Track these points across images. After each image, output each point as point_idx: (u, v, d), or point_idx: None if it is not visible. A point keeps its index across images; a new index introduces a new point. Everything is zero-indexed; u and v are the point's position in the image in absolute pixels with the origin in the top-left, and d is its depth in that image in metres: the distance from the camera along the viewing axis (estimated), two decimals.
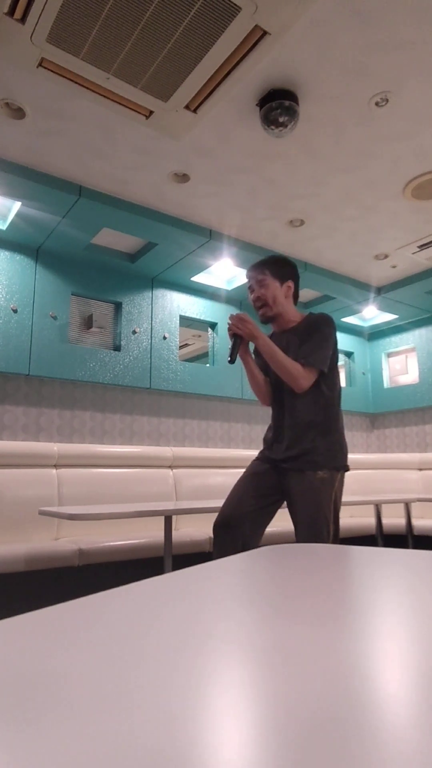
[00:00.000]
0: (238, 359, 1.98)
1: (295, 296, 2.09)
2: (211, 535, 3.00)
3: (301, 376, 1.88)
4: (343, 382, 5.03)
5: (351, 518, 3.87)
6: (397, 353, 4.98)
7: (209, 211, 3.02)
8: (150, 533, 2.86)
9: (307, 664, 0.36)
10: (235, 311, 3.78)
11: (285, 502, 1.96)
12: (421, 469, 4.36)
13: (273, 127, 2.15)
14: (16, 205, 2.83)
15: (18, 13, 1.67)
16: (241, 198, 2.89)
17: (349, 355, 5.04)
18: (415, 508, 3.82)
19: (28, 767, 0.23)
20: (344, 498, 2.52)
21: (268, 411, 2.11)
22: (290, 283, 2.04)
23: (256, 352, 2.05)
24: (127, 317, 3.59)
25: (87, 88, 1.98)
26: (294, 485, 1.88)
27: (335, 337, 1.98)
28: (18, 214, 2.87)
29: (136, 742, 0.25)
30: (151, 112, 2.11)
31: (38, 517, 2.75)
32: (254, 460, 2.05)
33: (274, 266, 2.03)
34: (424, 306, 4.41)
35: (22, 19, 1.69)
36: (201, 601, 0.56)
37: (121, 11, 1.66)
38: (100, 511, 2.03)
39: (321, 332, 1.94)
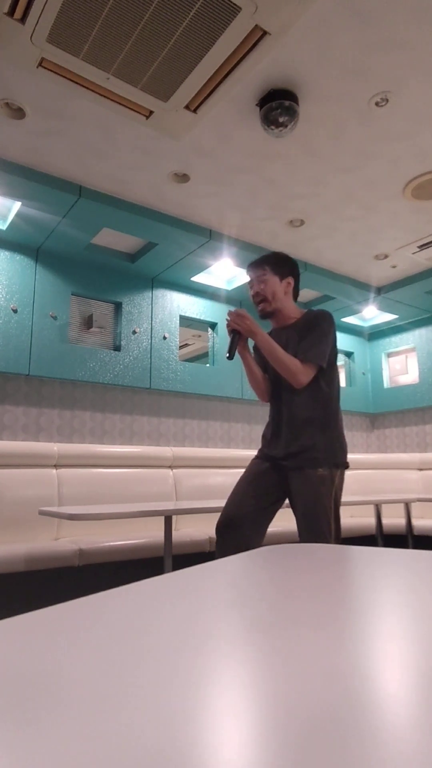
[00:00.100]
0: (237, 356, 1.99)
1: (295, 293, 2.09)
2: (211, 535, 3.01)
3: (300, 372, 1.88)
4: (343, 382, 5.03)
5: (351, 518, 3.87)
6: (397, 353, 4.98)
7: (209, 211, 3.02)
8: (150, 533, 2.86)
9: (307, 664, 0.36)
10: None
11: (287, 501, 1.96)
12: (421, 469, 4.36)
13: (273, 127, 2.15)
14: (16, 205, 2.83)
15: (18, 13, 1.67)
16: (241, 198, 2.89)
17: (349, 355, 5.04)
18: (415, 508, 3.82)
19: (28, 767, 0.23)
20: (344, 498, 2.52)
21: (268, 410, 2.12)
22: (290, 280, 2.05)
23: (255, 348, 2.05)
24: (127, 317, 3.59)
25: (87, 88, 1.98)
26: (294, 483, 1.89)
27: (334, 334, 1.98)
28: (18, 214, 2.87)
29: (136, 742, 0.25)
30: (151, 112, 2.11)
31: (38, 517, 2.75)
32: (254, 459, 2.05)
33: (275, 262, 2.04)
34: (424, 306, 4.41)
35: (22, 19, 1.69)
36: (201, 601, 0.56)
37: (121, 11, 1.66)
38: (100, 511, 2.03)
39: (320, 328, 1.94)
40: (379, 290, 4.16)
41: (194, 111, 2.10)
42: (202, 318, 3.99)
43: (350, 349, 4.99)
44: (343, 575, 0.74)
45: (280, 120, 2.12)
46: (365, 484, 4.34)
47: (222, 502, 2.03)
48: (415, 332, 4.74)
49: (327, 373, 1.95)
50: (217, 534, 1.91)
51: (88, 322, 3.51)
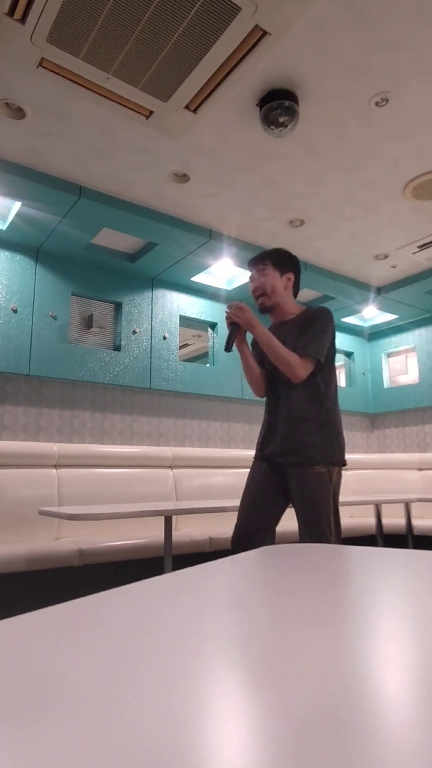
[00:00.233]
0: (235, 350, 2.00)
1: (296, 290, 2.10)
2: (211, 535, 3.01)
3: (298, 366, 1.88)
4: (343, 382, 5.03)
5: (351, 518, 3.87)
6: (397, 353, 4.98)
7: (209, 211, 3.02)
8: (150, 533, 2.86)
9: (307, 664, 0.36)
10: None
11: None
12: (421, 469, 4.36)
13: (273, 127, 2.15)
14: (16, 205, 2.83)
15: (18, 13, 1.67)
16: (241, 198, 2.89)
17: (349, 355, 5.04)
18: (415, 508, 3.82)
19: (28, 767, 0.23)
20: (344, 498, 2.52)
21: None
22: (290, 276, 2.05)
23: (254, 343, 2.06)
24: (127, 317, 3.59)
25: (87, 88, 1.98)
26: (292, 482, 1.89)
27: (333, 331, 1.98)
28: (18, 214, 2.87)
29: (136, 742, 0.25)
30: (151, 112, 2.11)
31: (38, 517, 2.75)
32: (254, 463, 2.06)
33: (276, 257, 2.05)
34: (424, 306, 4.41)
35: (22, 19, 1.69)
36: (201, 601, 0.56)
37: (121, 11, 1.66)
38: (100, 511, 2.03)
39: (319, 323, 1.95)
40: (379, 290, 4.16)
41: (194, 111, 2.10)
42: (202, 318, 3.99)
43: (350, 349, 4.99)
44: (342, 575, 0.74)
45: (280, 120, 2.12)
46: (365, 484, 4.34)
47: (222, 503, 2.03)
48: (415, 332, 4.74)
49: (325, 370, 1.96)
50: (233, 548, 1.92)
51: (88, 322, 3.51)
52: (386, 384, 4.97)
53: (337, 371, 5.03)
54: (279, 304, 2.03)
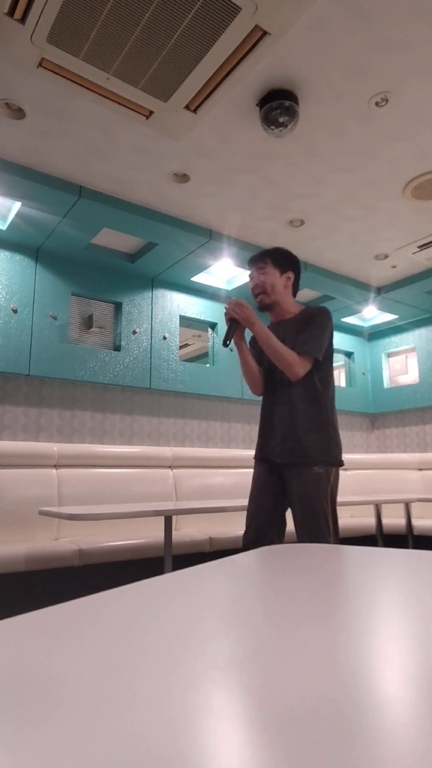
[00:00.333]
0: (233, 344, 2.02)
1: (295, 288, 2.10)
2: (211, 534, 3.01)
3: (296, 363, 1.88)
4: (343, 382, 5.03)
5: (351, 518, 3.87)
6: (397, 353, 4.98)
7: (209, 211, 3.02)
8: (150, 533, 2.86)
9: (307, 664, 0.36)
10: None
11: None
12: (421, 469, 4.36)
13: (273, 127, 2.15)
14: (16, 205, 2.83)
15: (18, 13, 1.67)
16: (241, 198, 2.89)
17: (349, 355, 5.04)
18: (415, 508, 3.82)
19: (28, 767, 0.23)
20: (344, 498, 2.52)
21: None
22: (290, 274, 2.06)
23: (252, 341, 2.06)
24: (127, 317, 3.59)
25: (87, 88, 1.98)
26: (290, 482, 1.89)
27: (332, 330, 1.99)
28: (18, 214, 2.87)
29: (136, 742, 0.25)
30: (151, 112, 2.11)
31: (38, 517, 2.75)
32: (255, 466, 2.06)
33: (276, 256, 2.05)
34: (424, 306, 4.41)
35: (22, 19, 1.69)
36: (201, 601, 0.56)
37: (121, 11, 1.66)
38: (100, 511, 2.03)
39: (318, 322, 1.95)
40: (379, 290, 4.16)
41: (194, 111, 2.10)
42: (202, 318, 3.99)
43: (350, 349, 4.99)
44: (342, 575, 0.74)
45: (280, 120, 2.12)
46: (365, 484, 4.33)
47: (222, 502, 2.03)
48: (415, 332, 4.74)
49: (323, 370, 1.96)
50: (245, 550, 1.93)
51: (88, 322, 3.51)
52: (386, 384, 4.97)
53: (338, 371, 5.04)
54: (278, 302, 2.03)
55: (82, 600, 0.53)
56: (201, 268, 3.62)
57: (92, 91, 2.00)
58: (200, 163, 2.56)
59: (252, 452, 2.11)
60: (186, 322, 3.96)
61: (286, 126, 2.15)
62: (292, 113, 2.11)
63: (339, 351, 4.93)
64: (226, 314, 1.95)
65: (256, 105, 2.15)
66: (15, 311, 3.09)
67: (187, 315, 3.91)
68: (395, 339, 4.91)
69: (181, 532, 2.99)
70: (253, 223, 3.16)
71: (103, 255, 3.42)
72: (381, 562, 0.78)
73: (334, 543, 1.84)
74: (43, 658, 0.38)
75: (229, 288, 3.96)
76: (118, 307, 3.62)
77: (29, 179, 2.58)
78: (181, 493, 3.46)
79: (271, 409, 2.01)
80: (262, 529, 1.94)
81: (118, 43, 1.78)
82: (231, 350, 3.87)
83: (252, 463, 2.09)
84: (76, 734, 0.26)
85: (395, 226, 3.22)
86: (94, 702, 0.30)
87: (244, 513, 2.02)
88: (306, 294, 4.22)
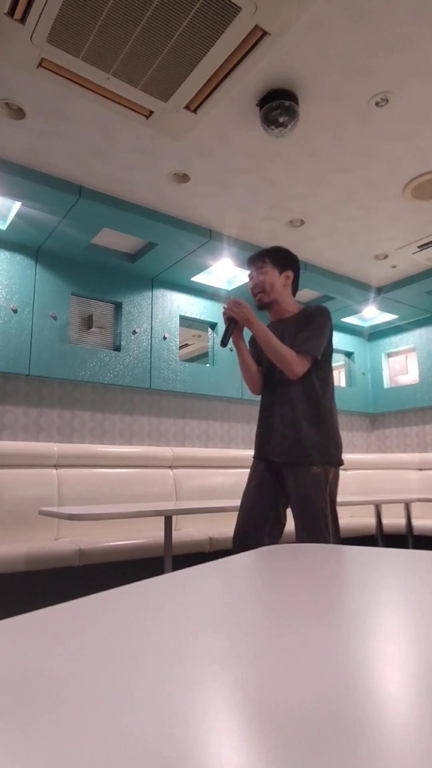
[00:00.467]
0: (232, 344, 2.02)
1: (294, 288, 2.10)
2: (211, 535, 3.01)
3: (295, 362, 1.88)
4: (343, 382, 5.03)
5: (351, 518, 3.87)
6: (397, 353, 4.98)
7: (209, 211, 3.02)
8: (150, 533, 2.86)
9: (307, 664, 0.36)
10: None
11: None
12: (421, 469, 4.36)
13: (273, 127, 2.15)
14: (16, 205, 2.83)
15: (18, 13, 1.67)
16: (241, 198, 2.89)
17: (349, 355, 5.04)
18: (415, 508, 3.82)
19: (28, 767, 0.23)
20: (345, 498, 2.51)
21: None
22: (289, 273, 2.06)
23: (251, 340, 2.06)
24: (127, 317, 3.59)
25: (87, 88, 1.98)
26: (289, 481, 1.89)
27: (331, 329, 1.99)
28: (18, 214, 2.87)
29: (136, 742, 0.25)
30: (151, 112, 2.11)
31: (38, 517, 2.75)
32: (253, 463, 2.06)
33: (275, 255, 2.05)
34: (424, 306, 4.41)
35: (22, 19, 1.69)
36: (201, 601, 0.56)
37: (121, 11, 1.66)
38: (100, 511, 2.03)
39: (317, 321, 1.95)
40: (379, 290, 4.16)
41: (194, 111, 2.10)
42: (202, 318, 3.99)
43: (350, 349, 4.99)
44: (342, 575, 0.74)
45: (280, 120, 2.12)
46: (365, 484, 4.33)
47: (222, 502, 2.03)
48: (415, 332, 4.74)
49: (322, 369, 1.96)
50: (234, 547, 1.92)
51: (88, 322, 3.51)
52: (386, 384, 4.97)
53: (338, 371, 5.04)
54: (277, 301, 2.03)
55: (82, 600, 0.53)
56: (201, 268, 3.62)
57: (92, 91, 2.00)
58: (200, 163, 2.56)
59: (252, 452, 2.11)
60: (186, 322, 3.96)
61: (286, 126, 2.15)
62: (292, 113, 2.11)
63: (339, 351, 4.93)
64: (224, 314, 1.95)
65: (256, 105, 2.15)
66: (15, 311, 3.09)
67: (187, 315, 3.91)
68: (395, 339, 4.91)
69: (181, 532, 2.99)
70: (253, 223, 3.16)
71: (103, 255, 3.42)
72: (381, 562, 0.78)
73: (335, 543, 1.84)
74: (43, 658, 0.38)
75: (229, 288, 3.96)
76: (118, 307, 3.62)
77: (29, 179, 2.58)
78: (181, 493, 3.46)
79: (271, 409, 2.01)
80: (251, 526, 1.92)
81: (118, 43, 1.78)
82: (231, 350, 3.87)
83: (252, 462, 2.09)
84: (76, 734, 0.26)
85: (395, 226, 3.22)
86: (94, 702, 0.30)
87: None
88: (306, 294, 4.22)
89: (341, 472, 2.01)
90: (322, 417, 1.92)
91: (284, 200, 2.91)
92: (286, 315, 2.05)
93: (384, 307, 4.43)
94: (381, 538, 3.34)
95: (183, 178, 2.68)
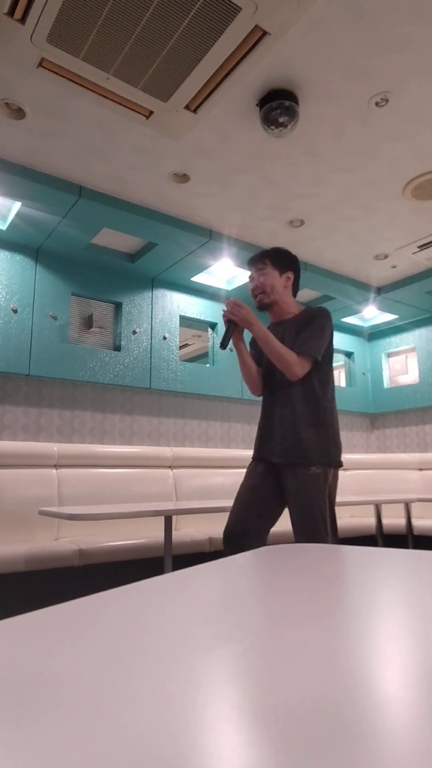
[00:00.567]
0: (232, 345, 2.01)
1: (295, 289, 2.10)
2: (211, 535, 3.01)
3: (295, 363, 1.88)
4: (343, 382, 5.03)
5: (351, 518, 3.87)
6: (397, 353, 4.98)
7: (209, 211, 3.02)
8: (150, 533, 2.86)
9: (307, 664, 0.36)
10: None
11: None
12: (421, 469, 4.36)
13: (273, 127, 2.15)
14: (16, 205, 2.83)
15: (18, 13, 1.67)
16: (241, 198, 2.89)
17: (349, 355, 5.04)
18: (415, 508, 3.82)
19: (28, 767, 0.23)
20: (345, 498, 2.51)
21: None
22: (290, 275, 2.06)
23: (252, 341, 2.06)
24: (127, 317, 3.59)
25: (87, 88, 1.98)
26: (288, 482, 1.89)
27: (331, 331, 1.99)
28: (18, 214, 2.87)
29: (136, 742, 0.25)
30: (151, 112, 2.11)
31: (38, 517, 2.75)
32: (251, 463, 2.05)
33: (275, 256, 2.05)
34: (424, 306, 4.41)
35: (22, 19, 1.69)
36: (201, 601, 0.56)
37: (121, 11, 1.66)
38: (100, 511, 2.03)
39: (318, 323, 1.95)
40: (379, 290, 4.16)
41: (194, 111, 2.10)
42: (202, 318, 3.99)
43: (350, 349, 4.99)
44: (342, 575, 0.74)
45: (280, 120, 2.12)
46: (365, 484, 4.33)
47: (222, 503, 2.03)
48: (415, 332, 4.74)
49: (322, 371, 1.96)
50: (224, 544, 1.92)
51: (88, 322, 3.51)
52: (386, 384, 4.97)
53: (338, 371, 5.04)
54: (278, 302, 2.03)
55: (82, 600, 0.53)
56: (201, 268, 3.62)
57: (92, 91, 2.00)
58: (200, 163, 2.56)
59: (252, 452, 2.11)
60: (186, 322, 3.96)
61: (286, 126, 2.15)
62: (292, 113, 2.11)
63: (339, 351, 4.93)
64: (224, 316, 1.95)
65: (256, 105, 2.15)
66: (15, 311, 3.09)
67: (187, 315, 3.91)
68: (395, 339, 4.91)
69: (181, 532, 2.99)
70: (253, 223, 3.16)
71: (103, 255, 3.42)
72: (381, 562, 0.78)
73: (333, 544, 1.84)
74: (43, 658, 0.38)
75: (229, 288, 3.96)
76: (118, 307, 3.62)
77: (29, 179, 2.58)
78: (181, 493, 3.46)
79: (271, 410, 2.00)
80: (242, 523, 1.91)
81: (118, 43, 1.78)
82: (231, 350, 3.87)
83: None
84: (76, 734, 0.26)
85: (395, 226, 3.22)
86: (94, 702, 0.30)
87: None
88: (306, 294, 4.22)
89: (341, 473, 2.00)
90: (322, 418, 1.91)
91: (284, 200, 2.92)
92: (286, 316, 2.05)
93: (384, 307, 4.43)
94: (381, 538, 3.34)
95: (183, 178, 2.68)
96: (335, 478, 1.91)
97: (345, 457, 3.81)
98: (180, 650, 0.39)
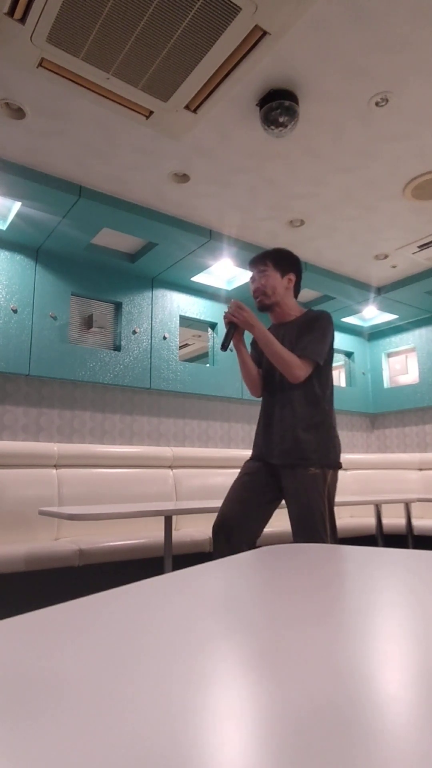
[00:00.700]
0: (232, 345, 2.00)
1: (296, 290, 2.09)
2: (211, 535, 3.00)
3: (297, 366, 1.88)
4: (343, 382, 5.03)
5: (351, 518, 3.87)
6: (397, 353, 4.98)
7: (209, 211, 3.02)
8: (150, 533, 2.86)
9: (306, 664, 0.36)
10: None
11: (283, 501, 1.96)
12: (421, 469, 4.36)
13: (273, 127, 2.15)
14: (16, 205, 2.83)
15: (18, 13, 1.67)
16: (241, 198, 2.89)
17: (349, 355, 5.04)
18: (415, 508, 3.82)
19: (28, 767, 0.23)
20: (345, 498, 2.51)
21: None
22: (291, 276, 2.05)
23: (253, 343, 2.05)
24: (127, 317, 3.59)
25: (87, 88, 1.98)
26: (287, 483, 1.89)
27: (333, 334, 1.98)
28: (18, 214, 2.87)
29: (136, 742, 0.25)
30: (151, 112, 2.11)
31: (38, 517, 2.75)
32: (247, 461, 2.05)
33: (277, 258, 2.04)
34: (424, 306, 4.41)
35: (22, 19, 1.69)
36: (201, 601, 0.56)
37: (121, 11, 1.66)
38: (100, 511, 2.03)
39: (320, 327, 1.95)
40: (379, 290, 4.16)
41: (194, 111, 2.10)
42: (202, 318, 3.99)
43: (350, 349, 4.99)
44: (342, 575, 0.74)
45: (280, 120, 2.12)
46: (365, 484, 4.33)
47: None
48: (415, 332, 4.74)
49: (322, 372, 1.96)
50: (212, 536, 1.93)
51: (88, 322, 3.51)
52: (386, 384, 4.97)
53: (338, 371, 5.04)
54: (279, 304, 2.03)
55: (82, 600, 0.53)
56: (201, 268, 3.62)
57: (92, 91, 2.00)
58: (200, 163, 2.56)
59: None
60: (186, 322, 3.96)
61: (286, 126, 2.15)
62: (292, 113, 2.11)
63: (339, 351, 4.93)
64: (225, 317, 1.95)
65: (256, 105, 2.15)
66: (15, 311, 3.09)
67: (187, 315, 3.91)
68: (395, 339, 4.91)
69: (181, 532, 2.99)
70: (253, 223, 3.16)
71: (103, 255, 3.42)
72: (381, 562, 0.78)
73: (332, 544, 1.84)
74: (43, 658, 0.38)
75: (229, 288, 3.96)
76: (118, 307, 3.62)
77: (29, 179, 2.58)
78: (181, 493, 3.46)
79: (271, 411, 2.00)
80: (232, 516, 1.90)
81: (118, 43, 1.78)
82: (231, 350, 3.87)
83: None
84: (76, 734, 0.26)
85: (395, 226, 3.22)
86: (94, 702, 0.30)
87: None
88: (306, 294, 4.22)
89: (341, 473, 2.00)
90: (322, 420, 1.92)
91: (284, 200, 2.92)
92: (288, 318, 2.05)
93: (384, 307, 4.43)
94: (381, 538, 3.34)
95: (183, 178, 2.68)
96: (334, 479, 1.91)
97: (345, 457, 3.81)
98: (180, 650, 0.39)
